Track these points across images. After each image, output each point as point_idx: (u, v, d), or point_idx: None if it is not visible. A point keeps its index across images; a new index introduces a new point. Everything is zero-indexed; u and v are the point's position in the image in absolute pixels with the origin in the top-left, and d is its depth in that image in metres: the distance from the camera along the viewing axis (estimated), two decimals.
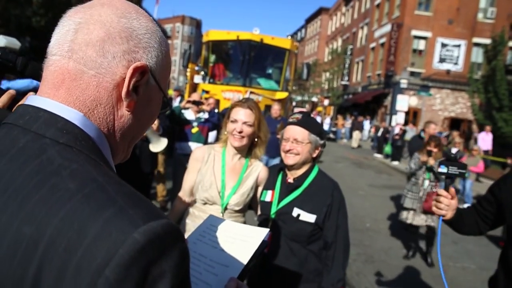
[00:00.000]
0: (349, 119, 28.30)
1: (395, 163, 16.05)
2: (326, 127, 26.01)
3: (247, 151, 2.29)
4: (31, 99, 0.66)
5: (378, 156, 18.55)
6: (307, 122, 2.16)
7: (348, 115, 30.23)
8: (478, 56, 24.91)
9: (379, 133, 19.66)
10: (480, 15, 25.08)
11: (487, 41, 22.32)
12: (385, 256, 5.56)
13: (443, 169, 1.87)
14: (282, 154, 2.18)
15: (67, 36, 0.66)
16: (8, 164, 0.57)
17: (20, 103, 0.73)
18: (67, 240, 0.50)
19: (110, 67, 0.66)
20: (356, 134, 22.38)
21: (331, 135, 26.26)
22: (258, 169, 2.29)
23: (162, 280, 0.52)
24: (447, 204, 1.87)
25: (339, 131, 27.28)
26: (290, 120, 2.19)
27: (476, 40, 24.96)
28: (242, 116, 2.16)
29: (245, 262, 1.01)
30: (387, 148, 17.71)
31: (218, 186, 2.18)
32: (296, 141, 2.11)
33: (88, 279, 0.49)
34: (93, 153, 0.63)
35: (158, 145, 4.20)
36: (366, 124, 26.08)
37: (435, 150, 5.29)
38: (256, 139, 2.25)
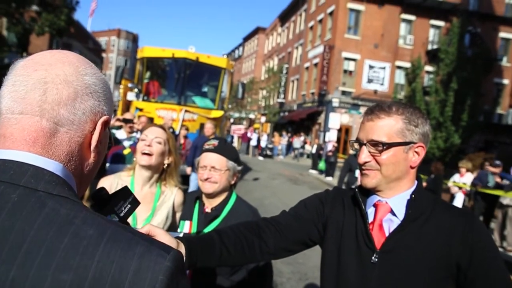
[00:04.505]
0: (285, 136, 29.04)
1: (329, 178, 16.70)
2: (263, 143, 26.48)
3: (157, 179, 2.16)
4: (4, 154, 0.66)
5: (313, 172, 19.19)
6: (224, 149, 2.06)
7: (284, 132, 31.04)
8: (400, 78, 27.06)
9: (313, 150, 20.36)
10: (400, 41, 27.39)
11: (408, 64, 24.35)
12: (318, 273, 5.67)
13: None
14: (200, 182, 2.06)
15: (34, 95, 0.68)
16: (10, 220, 0.59)
17: None
18: (111, 277, 0.58)
19: (80, 123, 0.72)
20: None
21: (268, 152, 26.73)
22: (172, 195, 2.16)
23: None
24: None
25: (276, 148, 27.86)
26: (206, 147, 2.07)
27: (398, 63, 27.16)
28: (152, 132, 2.11)
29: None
30: (321, 164, 18.39)
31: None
32: (214, 169, 2.01)
33: None
34: (80, 201, 0.69)
35: None
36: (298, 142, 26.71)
37: None
38: (167, 165, 2.15)
